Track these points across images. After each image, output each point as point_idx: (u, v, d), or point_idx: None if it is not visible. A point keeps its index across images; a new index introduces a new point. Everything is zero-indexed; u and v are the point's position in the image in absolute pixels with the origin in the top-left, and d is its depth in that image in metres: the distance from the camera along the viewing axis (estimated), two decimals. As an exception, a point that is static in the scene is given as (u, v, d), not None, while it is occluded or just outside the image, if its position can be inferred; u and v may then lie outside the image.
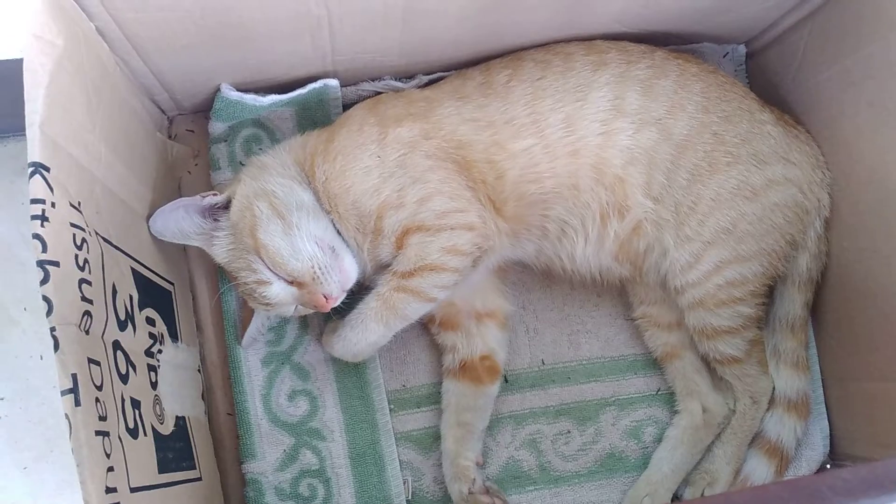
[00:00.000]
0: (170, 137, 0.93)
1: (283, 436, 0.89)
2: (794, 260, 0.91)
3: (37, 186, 0.54)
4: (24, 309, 0.93)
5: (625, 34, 0.91)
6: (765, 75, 1.00)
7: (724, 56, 1.01)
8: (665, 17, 0.90)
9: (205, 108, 0.92)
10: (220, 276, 0.91)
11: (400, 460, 0.91)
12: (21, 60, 0.75)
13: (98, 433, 0.54)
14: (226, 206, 0.82)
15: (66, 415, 0.52)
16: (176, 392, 0.77)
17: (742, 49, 1.01)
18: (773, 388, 0.92)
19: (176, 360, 0.80)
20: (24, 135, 0.95)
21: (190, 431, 0.79)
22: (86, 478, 0.51)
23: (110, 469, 0.54)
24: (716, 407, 0.92)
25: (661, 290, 0.92)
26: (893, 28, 0.78)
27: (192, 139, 0.95)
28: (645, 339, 0.97)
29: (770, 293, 0.92)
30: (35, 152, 0.55)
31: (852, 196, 0.89)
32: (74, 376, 0.52)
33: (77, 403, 0.51)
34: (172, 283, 0.84)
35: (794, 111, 0.94)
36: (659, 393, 0.97)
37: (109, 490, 0.53)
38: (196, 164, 0.95)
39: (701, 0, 0.87)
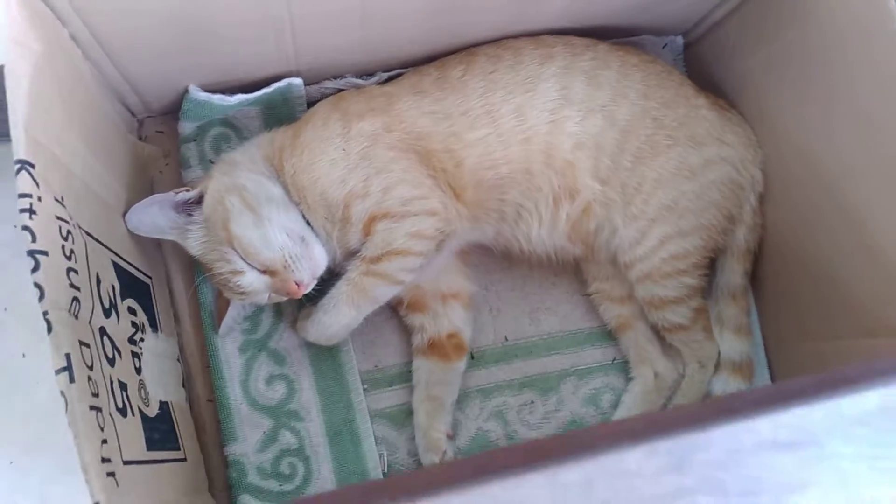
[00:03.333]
0: (140, 139, 0.97)
1: (262, 418, 0.94)
2: (732, 233, 0.97)
3: (24, 182, 0.58)
4: (5, 309, 0.96)
5: (570, 29, 0.96)
6: (700, 63, 1.06)
7: (664, 47, 1.06)
8: (607, 11, 0.95)
9: (173, 110, 0.95)
10: (195, 269, 0.95)
11: (375, 436, 0.96)
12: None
13: (91, 408, 0.58)
14: (198, 201, 0.86)
15: (61, 392, 0.56)
16: (158, 379, 0.81)
17: (680, 40, 1.07)
18: (719, 353, 0.98)
19: (157, 349, 0.84)
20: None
21: (173, 415, 0.83)
22: (83, 448, 0.55)
23: (104, 441, 0.58)
24: (666, 372, 0.99)
25: (612, 267, 0.98)
26: (807, 16, 0.84)
27: (162, 140, 0.98)
28: (599, 312, 1.02)
29: (712, 265, 0.97)
30: (20, 150, 0.59)
31: (782, 171, 0.95)
32: (68, 355, 0.56)
33: (71, 380, 0.56)
34: (150, 277, 0.88)
35: (727, 95, 1.00)
36: (614, 362, 1.03)
37: (104, 460, 0.57)
38: (167, 164, 0.98)
39: None
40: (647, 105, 0.92)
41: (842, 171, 0.85)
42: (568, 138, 0.90)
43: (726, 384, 0.98)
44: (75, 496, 0.91)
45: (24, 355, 0.95)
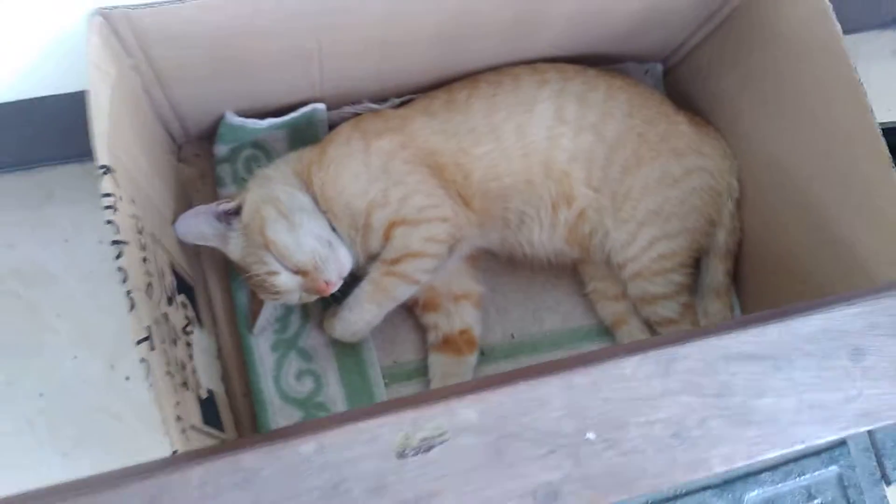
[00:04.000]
0: (179, 162, 1.08)
1: (293, 410, 1.02)
2: (714, 235, 1.07)
3: (107, 183, 0.68)
4: (58, 315, 1.05)
5: (561, 57, 1.07)
6: (679, 86, 1.17)
7: (645, 73, 1.18)
8: (593, 41, 1.06)
9: (208, 135, 1.06)
10: (230, 276, 1.05)
11: (395, 425, 1.05)
12: (51, 97, 0.91)
13: (167, 373, 0.67)
14: (237, 211, 0.96)
15: (142, 359, 0.64)
16: (204, 369, 0.90)
17: (659, 66, 1.19)
18: (706, 344, 1.08)
19: (202, 343, 0.93)
20: (49, 164, 1.10)
21: (217, 403, 0.92)
22: (163, 405, 0.63)
23: (177, 403, 0.67)
24: (659, 361, 1.09)
25: (606, 267, 1.07)
26: (772, 38, 0.95)
27: (199, 162, 1.08)
28: (597, 310, 1.12)
29: (697, 264, 1.07)
30: (103, 157, 0.69)
31: (754, 179, 1.05)
32: (149, 327, 0.66)
33: (152, 348, 0.65)
34: (194, 281, 0.97)
35: (704, 113, 1.11)
36: (612, 355, 1.12)
37: (179, 419, 0.66)
38: (203, 184, 1.09)
39: (622, 27, 1.03)
40: (632, 122, 1.03)
41: (802, 178, 0.96)
42: (563, 152, 1.00)
43: (713, 371, 1.07)
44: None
45: (75, 357, 1.04)
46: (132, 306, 0.65)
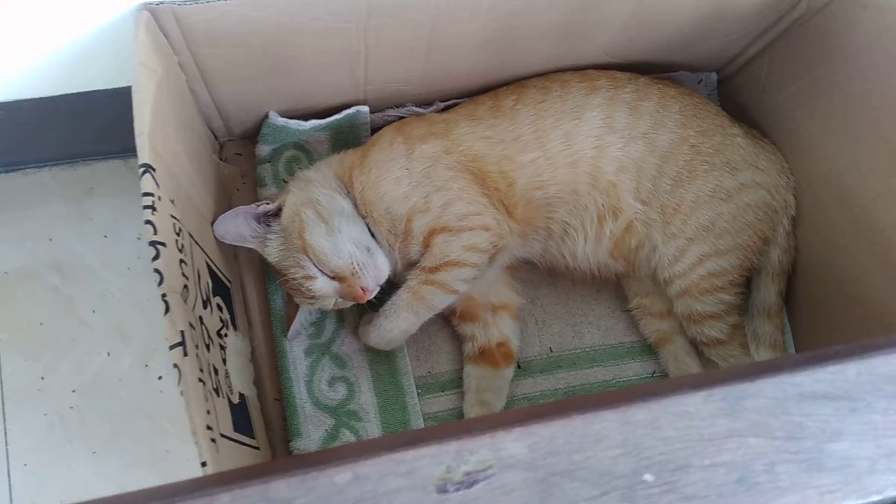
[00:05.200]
0: (221, 160, 1.07)
1: (324, 417, 1.01)
2: (767, 254, 1.02)
3: (147, 182, 0.67)
4: (93, 311, 1.04)
5: (612, 64, 1.04)
6: (734, 97, 1.13)
7: (699, 82, 1.14)
8: (646, 49, 1.03)
9: (250, 135, 1.05)
10: (266, 278, 1.03)
11: (428, 438, 1.02)
12: (94, 92, 0.90)
13: (199, 380, 0.65)
14: (276, 213, 0.95)
15: (175, 365, 0.63)
16: (237, 373, 0.89)
17: (714, 76, 1.15)
18: (755, 368, 1.04)
19: (236, 346, 0.91)
20: (91, 159, 1.10)
21: (249, 407, 0.90)
22: (193, 413, 0.62)
23: (208, 412, 0.66)
24: (704, 384, 1.04)
25: (652, 283, 1.04)
26: (833, 55, 0.91)
27: (240, 161, 1.08)
28: (640, 327, 1.08)
29: (748, 283, 1.03)
30: (145, 156, 0.68)
31: (813, 196, 1.01)
32: (182, 332, 0.64)
33: (185, 354, 0.63)
34: (230, 282, 0.96)
35: (760, 126, 1.07)
36: (654, 375, 1.08)
37: (209, 427, 0.64)
38: (244, 183, 1.08)
39: (677, 35, 0.99)
40: (685, 133, 0.99)
41: (867, 197, 0.91)
42: (611, 162, 0.97)
43: (762, 397, 1.02)
44: (151, 483, 0.98)
45: (108, 354, 1.03)
46: (167, 309, 0.64)
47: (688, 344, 1.06)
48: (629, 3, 0.91)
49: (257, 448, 0.88)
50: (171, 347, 0.63)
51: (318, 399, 1.01)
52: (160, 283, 0.64)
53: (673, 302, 1.01)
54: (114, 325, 1.04)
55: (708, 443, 0.44)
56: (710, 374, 0.48)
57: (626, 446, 0.43)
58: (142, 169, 0.67)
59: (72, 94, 0.91)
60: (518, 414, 0.47)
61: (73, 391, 1.02)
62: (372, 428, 1.01)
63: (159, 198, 0.68)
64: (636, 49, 1.03)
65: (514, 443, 0.42)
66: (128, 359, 1.03)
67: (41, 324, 1.03)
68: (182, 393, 0.62)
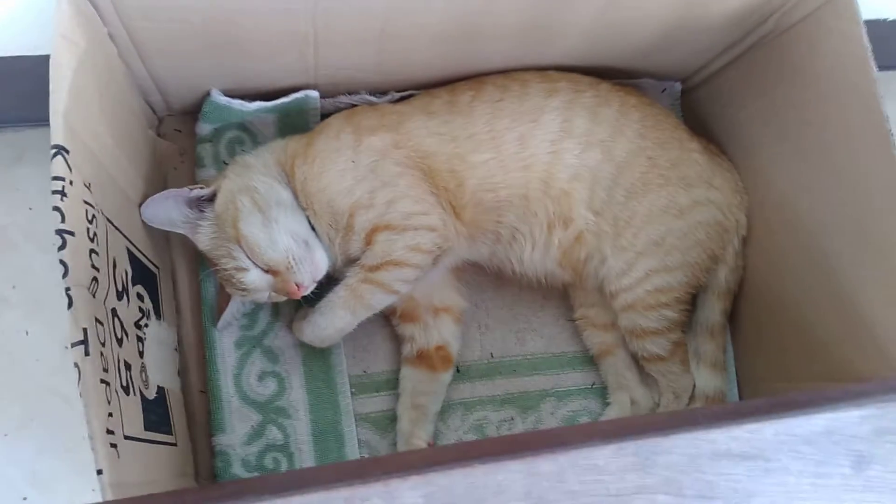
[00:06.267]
0: (159, 135, 1.01)
1: (251, 413, 0.97)
2: (715, 272, 1.01)
3: (58, 166, 0.62)
4: (13, 287, 0.99)
5: (575, 67, 1.01)
6: (696, 110, 1.11)
7: (663, 91, 1.11)
8: (610, 54, 1.00)
9: (193, 111, 0.99)
10: (200, 263, 0.98)
11: (358, 439, 0.99)
12: (23, 58, 0.84)
13: (101, 381, 0.61)
14: (211, 198, 0.90)
15: (75, 364, 0.59)
16: (157, 365, 0.84)
17: (678, 86, 1.12)
18: (694, 386, 1.02)
19: (159, 336, 0.87)
20: (20, 126, 1.04)
21: (168, 401, 0.86)
22: (91, 417, 0.58)
23: (110, 414, 0.62)
24: (643, 400, 1.03)
25: (598, 295, 1.02)
26: (794, 75, 0.89)
27: (180, 138, 1.02)
28: (583, 337, 1.06)
29: (693, 300, 1.02)
30: (58, 136, 0.63)
31: (764, 218, 1.00)
32: (85, 330, 0.60)
33: (87, 353, 0.59)
34: (158, 267, 0.91)
35: (719, 142, 1.05)
36: (594, 387, 1.07)
37: (109, 431, 0.61)
38: (182, 162, 1.02)
39: (643, 42, 0.96)
40: (643, 144, 0.96)
41: (817, 223, 0.90)
42: (566, 169, 0.94)
43: (698, 416, 1.02)
44: (64, 471, 0.95)
45: (27, 332, 0.98)
46: (70, 304, 0.59)
47: (629, 357, 1.04)
48: (595, 6, 0.87)
49: (174, 444, 0.85)
50: (73, 345, 0.59)
51: (246, 393, 0.98)
52: (65, 275, 0.60)
53: (617, 315, 0.99)
54: (35, 303, 0.98)
55: (615, 498, 0.41)
56: (623, 424, 0.46)
57: (529, 499, 0.40)
58: (53, 151, 0.62)
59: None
60: (415, 458, 0.45)
61: (-13, 370, 0.96)
62: (301, 426, 0.98)
63: (71, 182, 0.63)
64: (600, 53, 1.00)
65: (409, 491, 0.39)
66: (47, 339, 0.98)
67: (-45, 296, 0.97)
68: (80, 394, 0.58)
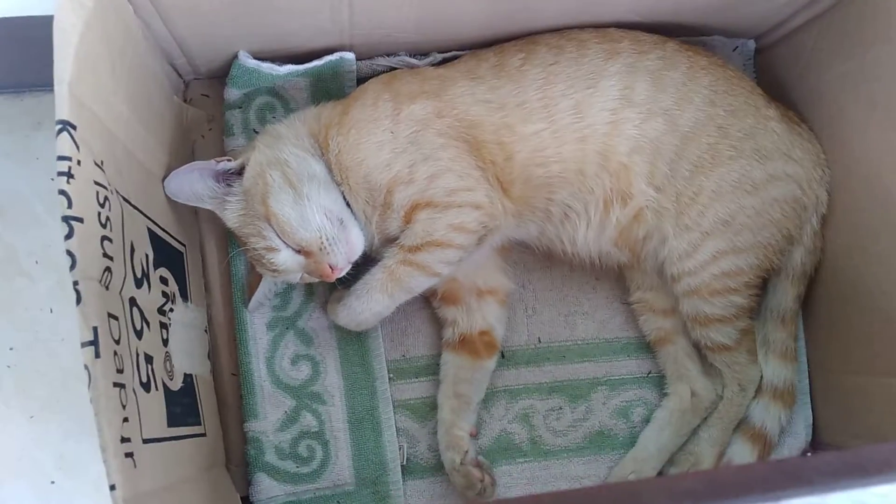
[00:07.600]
0: (185, 101, 0.95)
1: (284, 398, 0.92)
2: (789, 254, 0.93)
3: (64, 144, 0.56)
4: (36, 262, 0.95)
5: (638, 24, 0.92)
6: (772, 71, 1.01)
7: (734, 50, 1.02)
8: (678, 8, 0.91)
9: (221, 74, 0.93)
10: (229, 239, 0.93)
11: (396, 427, 0.94)
12: (43, 18, 0.78)
13: (115, 385, 0.56)
14: (239, 172, 0.84)
15: (85, 366, 0.54)
16: (185, 350, 0.80)
17: (752, 44, 1.02)
18: (761, 377, 0.94)
19: (185, 319, 0.82)
20: (39, 90, 0.98)
21: (196, 389, 0.81)
22: (103, 426, 0.53)
23: (125, 420, 0.57)
24: (704, 392, 0.95)
25: (658, 277, 0.94)
26: (888, 32, 0.79)
27: (208, 104, 0.96)
28: (639, 323, 0.99)
29: (764, 285, 0.94)
30: (63, 110, 0.56)
31: (849, 195, 0.91)
32: (95, 329, 0.54)
33: (97, 355, 0.54)
34: (184, 245, 0.86)
35: (798, 108, 0.96)
36: (650, 375, 0.99)
37: (124, 439, 0.55)
38: (210, 129, 0.96)
39: None
40: (713, 112, 0.88)
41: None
42: (626, 141, 0.86)
43: (766, 410, 0.94)
44: (91, 455, 0.91)
45: (51, 310, 0.94)
46: (78, 300, 0.54)
47: (690, 346, 0.97)
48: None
49: (203, 435, 0.80)
50: (83, 346, 0.54)
51: (279, 377, 0.93)
52: (72, 267, 0.54)
53: (679, 300, 0.92)
54: (58, 280, 0.94)
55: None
56: (715, 482, 0.38)
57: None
58: (58, 127, 0.56)
59: (17, 17, 0.80)
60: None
61: (11, 349, 0.93)
62: (336, 413, 0.93)
63: (78, 162, 0.57)
64: (666, 7, 0.91)
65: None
66: (71, 318, 0.93)
67: (-23, 273, 0.93)
68: (92, 399, 0.53)
